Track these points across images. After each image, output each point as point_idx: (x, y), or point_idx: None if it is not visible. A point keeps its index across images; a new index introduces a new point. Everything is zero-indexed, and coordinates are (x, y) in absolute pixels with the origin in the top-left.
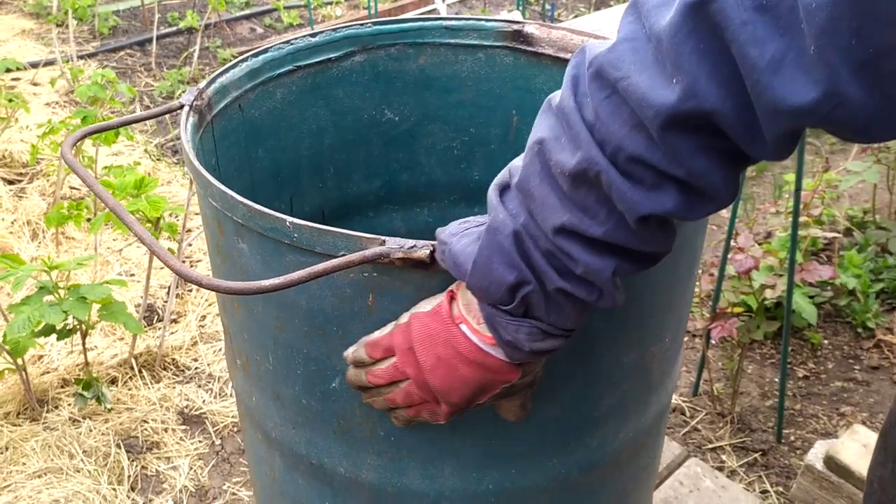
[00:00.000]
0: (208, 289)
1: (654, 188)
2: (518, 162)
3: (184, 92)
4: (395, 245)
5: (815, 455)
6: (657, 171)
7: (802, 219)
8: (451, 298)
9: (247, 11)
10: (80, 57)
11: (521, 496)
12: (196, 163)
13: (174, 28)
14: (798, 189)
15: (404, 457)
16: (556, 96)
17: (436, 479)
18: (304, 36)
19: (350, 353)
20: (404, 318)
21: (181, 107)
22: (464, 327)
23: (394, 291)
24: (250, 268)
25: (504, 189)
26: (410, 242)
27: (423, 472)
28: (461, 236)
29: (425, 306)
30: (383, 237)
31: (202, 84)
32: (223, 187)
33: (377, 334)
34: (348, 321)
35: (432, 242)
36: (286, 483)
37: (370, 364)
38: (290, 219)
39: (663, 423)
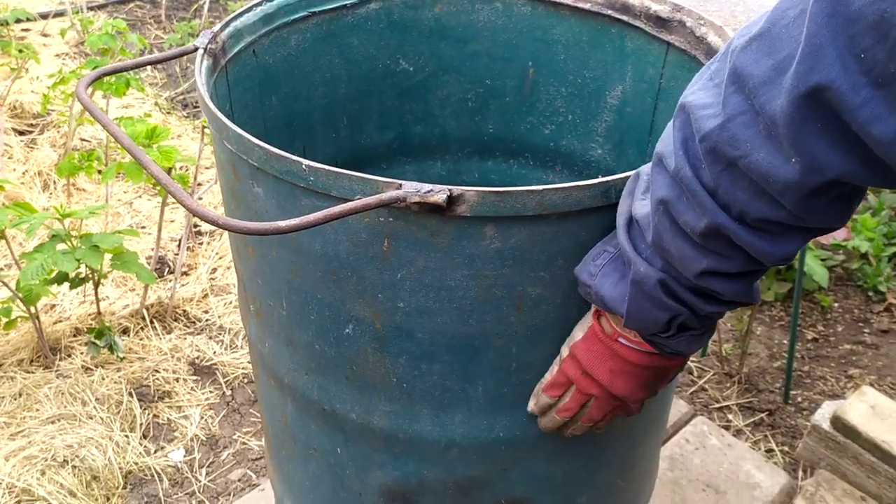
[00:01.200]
0: (224, 228)
1: (781, 236)
2: (629, 204)
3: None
4: (412, 189)
5: (822, 415)
6: (784, 225)
7: None
8: (598, 316)
9: None
10: (90, 8)
11: (530, 444)
12: (211, 105)
13: None
14: None
15: (416, 403)
16: (667, 157)
17: (447, 426)
18: None
19: (532, 406)
20: (565, 351)
21: (195, 49)
22: (622, 341)
23: (409, 236)
24: (265, 212)
25: (630, 226)
26: (427, 186)
27: (434, 419)
28: (601, 277)
29: (578, 334)
30: (400, 181)
31: (216, 27)
32: (239, 130)
33: (547, 377)
34: (363, 266)
35: (449, 187)
36: (298, 429)
37: (555, 404)
38: (306, 162)
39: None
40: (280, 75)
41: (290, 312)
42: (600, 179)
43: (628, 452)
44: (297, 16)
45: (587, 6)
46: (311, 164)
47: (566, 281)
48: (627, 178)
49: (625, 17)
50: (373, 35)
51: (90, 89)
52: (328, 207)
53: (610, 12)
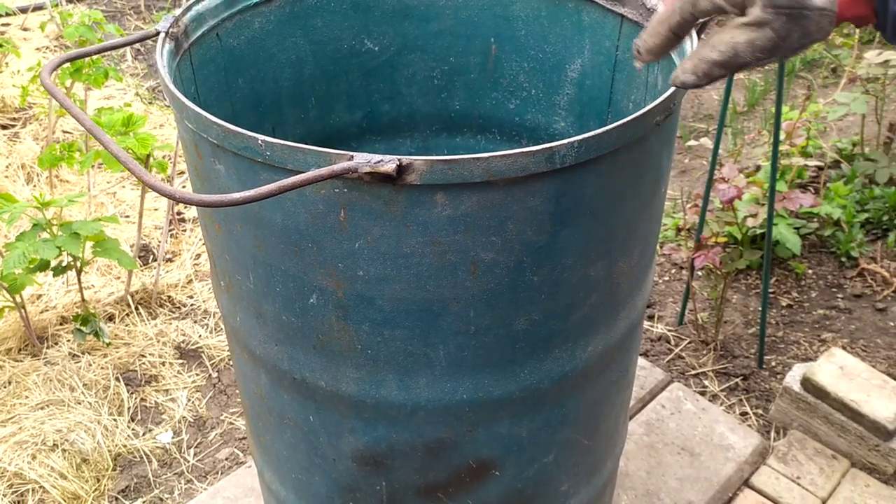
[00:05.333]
0: (181, 202)
1: None
2: None
3: None
4: (363, 160)
5: (793, 377)
6: None
7: (785, 148)
8: None
9: None
10: (70, 1)
11: (493, 406)
12: (171, 85)
13: None
14: (777, 118)
15: (381, 369)
16: None
17: (412, 390)
18: None
19: None
20: None
21: (157, 34)
22: None
23: (364, 206)
24: (227, 188)
25: None
26: (378, 157)
27: (399, 384)
28: None
29: None
30: (351, 153)
31: (178, 11)
32: (197, 108)
33: None
34: (322, 237)
35: (399, 157)
36: (272, 399)
37: None
38: (262, 137)
39: (636, 339)
40: (245, 58)
41: (256, 285)
42: (544, 146)
43: (591, 411)
44: None
45: None
46: (267, 139)
47: (518, 245)
48: (570, 144)
49: None
50: (336, 16)
51: (70, 81)
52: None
53: None
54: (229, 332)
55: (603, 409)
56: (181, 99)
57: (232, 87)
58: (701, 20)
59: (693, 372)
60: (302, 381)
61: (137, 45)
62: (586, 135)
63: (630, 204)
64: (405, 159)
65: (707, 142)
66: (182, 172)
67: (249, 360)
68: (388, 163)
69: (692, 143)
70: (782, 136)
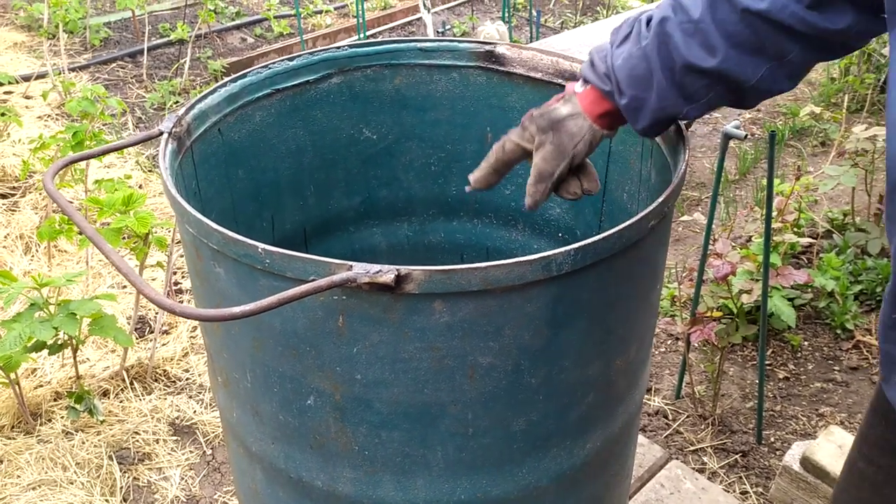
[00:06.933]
0: (181, 316)
1: None
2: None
3: (175, 104)
4: (362, 270)
5: (793, 456)
6: None
7: (778, 225)
8: None
9: (237, 22)
10: (72, 69)
11: None
12: (173, 191)
13: (165, 39)
14: (770, 194)
15: (378, 470)
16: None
17: (409, 491)
18: (282, 60)
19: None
20: None
21: (160, 134)
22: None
23: (362, 313)
24: (227, 291)
25: None
26: (376, 267)
27: (396, 485)
28: None
29: None
30: (350, 263)
31: (181, 111)
32: (199, 215)
33: None
34: (320, 342)
35: (397, 267)
36: (267, 496)
37: None
38: (262, 245)
39: (633, 431)
40: (245, 150)
41: (254, 385)
42: (541, 255)
43: None
44: (261, 94)
45: (539, 75)
46: (267, 247)
47: (515, 349)
48: (567, 252)
49: None
50: (336, 107)
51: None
52: (285, 287)
53: (560, 81)
54: (226, 426)
55: (604, 503)
56: (183, 205)
57: (232, 178)
58: (512, 158)
59: (691, 448)
60: (298, 480)
61: (139, 114)
62: (583, 242)
63: (627, 303)
64: (403, 269)
65: (700, 217)
66: (180, 242)
67: (245, 456)
68: (387, 273)
69: (686, 217)
70: (774, 213)
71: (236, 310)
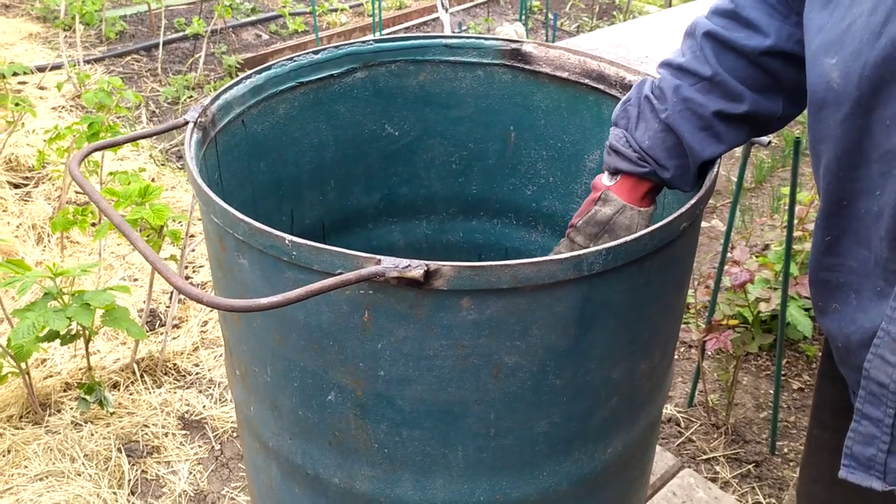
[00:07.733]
0: (209, 306)
1: None
2: None
3: (189, 98)
4: (391, 264)
5: None
6: None
7: (797, 233)
8: None
9: (252, 18)
10: (87, 61)
11: None
12: (199, 180)
13: (180, 34)
14: (792, 203)
15: (397, 468)
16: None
17: (428, 490)
18: (307, 53)
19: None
20: None
21: (185, 123)
22: None
23: (389, 308)
24: (250, 282)
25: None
26: (405, 262)
27: (415, 484)
28: None
29: None
30: (379, 256)
31: (206, 101)
32: (225, 204)
33: None
34: (344, 336)
35: (426, 262)
36: (283, 492)
37: None
38: (289, 237)
39: (654, 437)
40: (268, 142)
41: (274, 379)
42: (573, 253)
43: None
44: (285, 86)
45: (565, 75)
46: (294, 239)
47: (542, 349)
48: (598, 252)
49: (601, 86)
50: (359, 102)
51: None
52: (310, 280)
53: (587, 81)
54: (241, 421)
55: None
56: (209, 194)
57: (254, 170)
58: None
59: (704, 456)
60: (315, 477)
61: (153, 107)
62: (614, 243)
63: (654, 306)
64: (433, 265)
65: (718, 224)
66: (193, 236)
67: (261, 451)
68: (416, 268)
69: (704, 224)
70: (794, 221)
71: (263, 301)
